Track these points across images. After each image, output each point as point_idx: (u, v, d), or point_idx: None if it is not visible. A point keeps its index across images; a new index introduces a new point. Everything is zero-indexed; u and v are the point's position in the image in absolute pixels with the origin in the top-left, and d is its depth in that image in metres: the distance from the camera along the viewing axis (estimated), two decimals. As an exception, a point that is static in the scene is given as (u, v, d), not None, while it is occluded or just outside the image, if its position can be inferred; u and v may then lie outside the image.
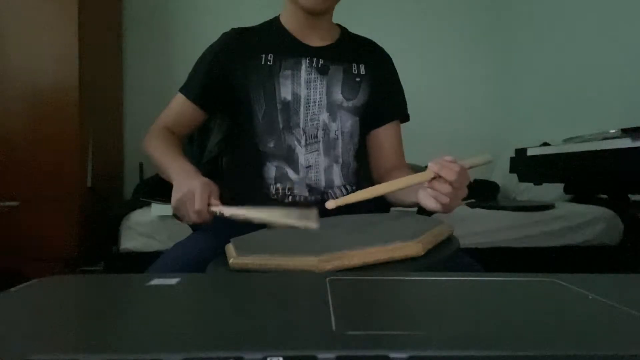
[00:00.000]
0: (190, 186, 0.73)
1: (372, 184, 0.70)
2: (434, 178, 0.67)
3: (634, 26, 2.04)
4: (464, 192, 0.68)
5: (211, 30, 1.09)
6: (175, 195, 0.74)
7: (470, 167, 0.70)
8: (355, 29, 1.05)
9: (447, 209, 0.69)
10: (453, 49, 3.02)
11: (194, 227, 0.97)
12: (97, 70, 2.28)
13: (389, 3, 2.95)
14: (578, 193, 2.20)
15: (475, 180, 2.34)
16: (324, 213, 0.78)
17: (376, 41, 1.06)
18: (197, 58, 0.99)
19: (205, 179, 0.76)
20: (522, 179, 1.85)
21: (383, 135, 1.01)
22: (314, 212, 0.64)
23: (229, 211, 0.71)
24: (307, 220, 0.62)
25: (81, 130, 2.07)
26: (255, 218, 0.67)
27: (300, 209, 0.65)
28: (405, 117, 1.05)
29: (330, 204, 0.63)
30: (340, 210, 0.74)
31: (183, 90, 0.97)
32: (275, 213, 0.65)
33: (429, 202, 0.69)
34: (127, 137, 2.69)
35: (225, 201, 0.77)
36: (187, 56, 1.25)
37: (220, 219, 0.76)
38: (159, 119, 0.97)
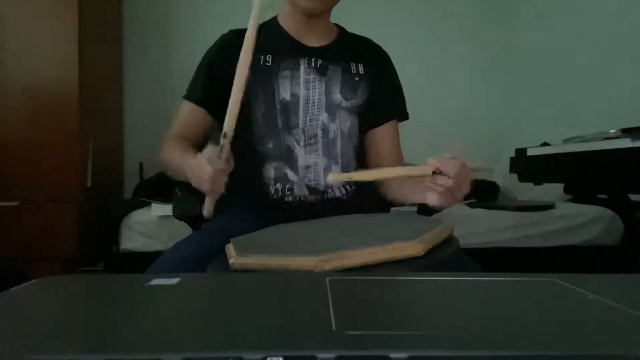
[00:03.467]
0: (198, 159, 0.73)
1: (372, 183, 0.70)
2: (435, 173, 0.67)
3: (634, 26, 2.04)
4: (466, 187, 0.68)
5: (211, 30, 1.09)
6: (190, 174, 0.74)
7: (472, 169, 0.70)
8: (353, 28, 1.04)
9: (448, 203, 0.69)
10: (452, 49, 3.01)
11: (194, 226, 0.97)
12: (97, 70, 2.28)
13: (388, 2, 2.95)
14: (578, 193, 2.20)
15: (475, 181, 2.33)
16: (325, 213, 0.78)
17: (374, 40, 1.06)
18: (197, 59, 0.99)
19: None
20: (522, 179, 1.85)
21: (382, 134, 1.01)
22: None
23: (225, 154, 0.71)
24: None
25: (81, 130, 2.06)
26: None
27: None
28: (404, 116, 1.05)
29: (332, 178, 0.64)
30: (340, 211, 0.74)
31: (187, 96, 0.97)
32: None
33: (430, 197, 0.69)
34: (127, 137, 2.69)
35: (225, 201, 0.77)
36: (186, 57, 1.25)
37: (221, 218, 0.75)
38: (171, 129, 0.97)
